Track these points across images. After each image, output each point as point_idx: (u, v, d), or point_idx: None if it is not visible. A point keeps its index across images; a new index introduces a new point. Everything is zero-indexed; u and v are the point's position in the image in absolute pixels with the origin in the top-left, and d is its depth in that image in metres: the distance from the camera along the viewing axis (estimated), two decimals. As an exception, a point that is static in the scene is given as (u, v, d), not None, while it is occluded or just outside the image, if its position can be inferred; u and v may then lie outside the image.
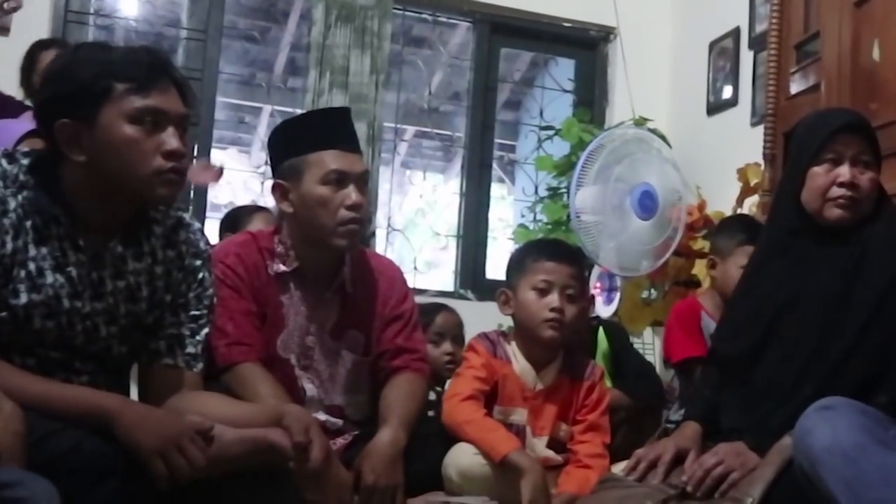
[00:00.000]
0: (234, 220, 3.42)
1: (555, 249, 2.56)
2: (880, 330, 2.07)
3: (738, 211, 3.74)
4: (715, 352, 2.33)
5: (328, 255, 2.37)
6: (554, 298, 2.44)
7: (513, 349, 2.51)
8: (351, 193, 2.29)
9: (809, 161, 2.18)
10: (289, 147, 2.35)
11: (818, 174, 2.16)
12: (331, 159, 2.29)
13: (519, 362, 2.49)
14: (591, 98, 5.06)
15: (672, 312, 3.16)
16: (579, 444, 2.47)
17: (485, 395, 2.43)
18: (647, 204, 3.81)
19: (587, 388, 2.51)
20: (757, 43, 4.20)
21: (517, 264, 2.56)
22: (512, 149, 6.26)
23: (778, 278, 2.21)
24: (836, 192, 2.14)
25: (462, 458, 2.30)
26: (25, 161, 1.75)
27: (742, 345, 2.21)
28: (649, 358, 3.87)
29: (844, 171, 2.14)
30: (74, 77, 1.69)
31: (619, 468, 2.29)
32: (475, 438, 2.31)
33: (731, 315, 2.34)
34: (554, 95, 5.17)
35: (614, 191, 3.75)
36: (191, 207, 4.25)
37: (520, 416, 2.45)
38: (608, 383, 2.82)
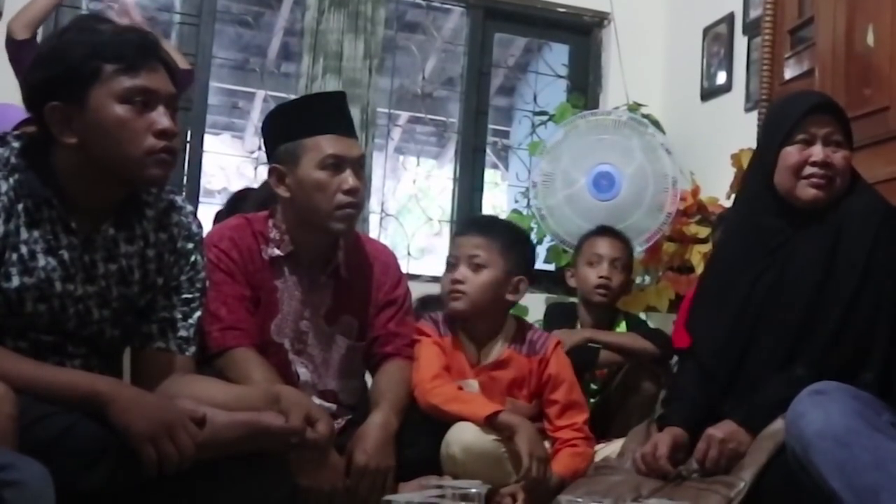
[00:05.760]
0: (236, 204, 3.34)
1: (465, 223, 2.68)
2: (864, 307, 2.08)
3: (733, 196, 3.73)
4: (697, 346, 2.32)
5: (323, 240, 2.36)
6: (453, 270, 2.48)
7: (456, 326, 2.51)
8: (348, 178, 2.28)
9: (782, 141, 2.18)
10: (285, 131, 2.34)
11: (791, 154, 2.17)
12: (328, 144, 2.29)
13: (462, 338, 2.49)
14: (584, 83, 5.05)
15: (685, 301, 3.15)
16: (560, 430, 2.45)
17: (448, 369, 2.42)
18: (603, 185, 3.84)
19: (538, 361, 2.48)
20: (751, 28, 4.19)
21: None
22: (506, 134, 6.23)
23: (757, 266, 2.21)
24: (809, 170, 2.15)
25: (466, 435, 2.26)
26: (17, 144, 1.75)
27: (729, 340, 2.20)
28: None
29: (817, 151, 2.15)
30: (63, 59, 1.68)
31: (613, 449, 2.29)
32: (459, 411, 2.30)
33: (711, 305, 2.31)
34: (548, 81, 5.15)
35: (568, 169, 3.89)
36: (184, 192, 4.23)
37: (472, 387, 2.43)
38: None
